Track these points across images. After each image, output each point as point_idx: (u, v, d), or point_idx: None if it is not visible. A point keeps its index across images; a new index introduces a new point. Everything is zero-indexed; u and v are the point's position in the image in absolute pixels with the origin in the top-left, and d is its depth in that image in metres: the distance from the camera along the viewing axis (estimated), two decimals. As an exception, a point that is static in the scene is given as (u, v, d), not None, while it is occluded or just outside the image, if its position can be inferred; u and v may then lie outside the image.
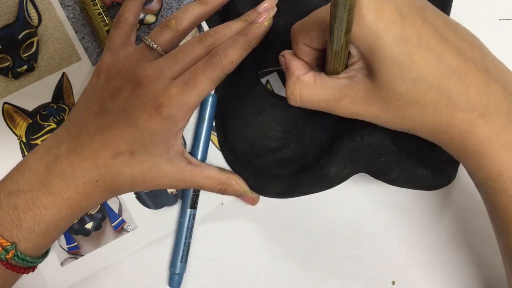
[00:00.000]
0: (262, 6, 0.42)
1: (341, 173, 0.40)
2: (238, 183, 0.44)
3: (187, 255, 0.47)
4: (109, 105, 0.39)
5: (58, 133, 0.41)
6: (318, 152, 0.42)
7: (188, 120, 0.39)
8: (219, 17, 0.46)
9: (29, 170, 0.39)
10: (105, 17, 0.45)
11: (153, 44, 0.41)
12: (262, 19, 0.41)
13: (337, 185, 0.41)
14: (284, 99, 0.42)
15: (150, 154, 0.39)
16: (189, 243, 0.47)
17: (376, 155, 0.40)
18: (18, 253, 0.37)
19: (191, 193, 0.46)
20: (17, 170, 0.40)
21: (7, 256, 0.37)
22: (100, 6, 0.45)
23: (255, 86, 0.44)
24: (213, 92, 0.47)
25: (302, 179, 0.42)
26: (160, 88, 0.38)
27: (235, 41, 0.40)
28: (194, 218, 0.47)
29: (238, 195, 0.45)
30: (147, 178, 0.40)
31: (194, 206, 0.46)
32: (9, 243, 0.37)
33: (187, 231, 0.46)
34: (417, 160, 0.41)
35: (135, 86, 0.39)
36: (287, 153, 0.43)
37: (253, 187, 0.45)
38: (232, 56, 0.40)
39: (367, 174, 0.42)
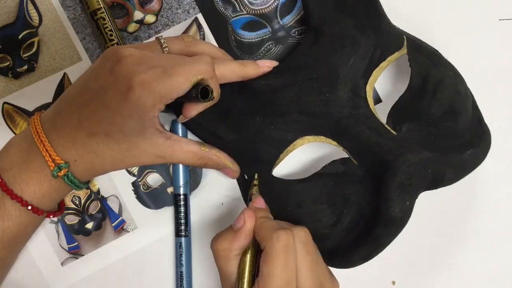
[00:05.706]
0: (263, 62, 0.44)
1: (404, 207, 0.39)
2: (218, 157, 0.43)
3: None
4: (92, 83, 0.38)
5: (48, 110, 0.41)
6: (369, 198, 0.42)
7: (159, 110, 0.38)
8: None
9: (14, 148, 0.40)
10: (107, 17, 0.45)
11: (163, 41, 0.41)
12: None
13: (408, 219, 0.40)
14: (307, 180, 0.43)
15: (126, 135, 0.38)
16: (181, 272, 0.46)
17: (424, 173, 0.40)
18: (69, 173, 0.39)
19: (181, 220, 0.46)
20: (3, 149, 0.41)
21: (59, 174, 0.39)
22: (103, 6, 0.45)
23: (286, 187, 0.43)
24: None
25: (376, 233, 0.40)
26: (138, 70, 0.36)
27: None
28: (189, 247, 0.46)
29: (219, 168, 0.44)
30: (126, 157, 0.39)
31: (178, 234, 0.46)
32: (63, 161, 0.39)
33: (176, 260, 0.46)
34: (450, 151, 0.41)
35: (116, 62, 0.37)
36: (346, 220, 0.42)
37: (341, 264, 0.43)
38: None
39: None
